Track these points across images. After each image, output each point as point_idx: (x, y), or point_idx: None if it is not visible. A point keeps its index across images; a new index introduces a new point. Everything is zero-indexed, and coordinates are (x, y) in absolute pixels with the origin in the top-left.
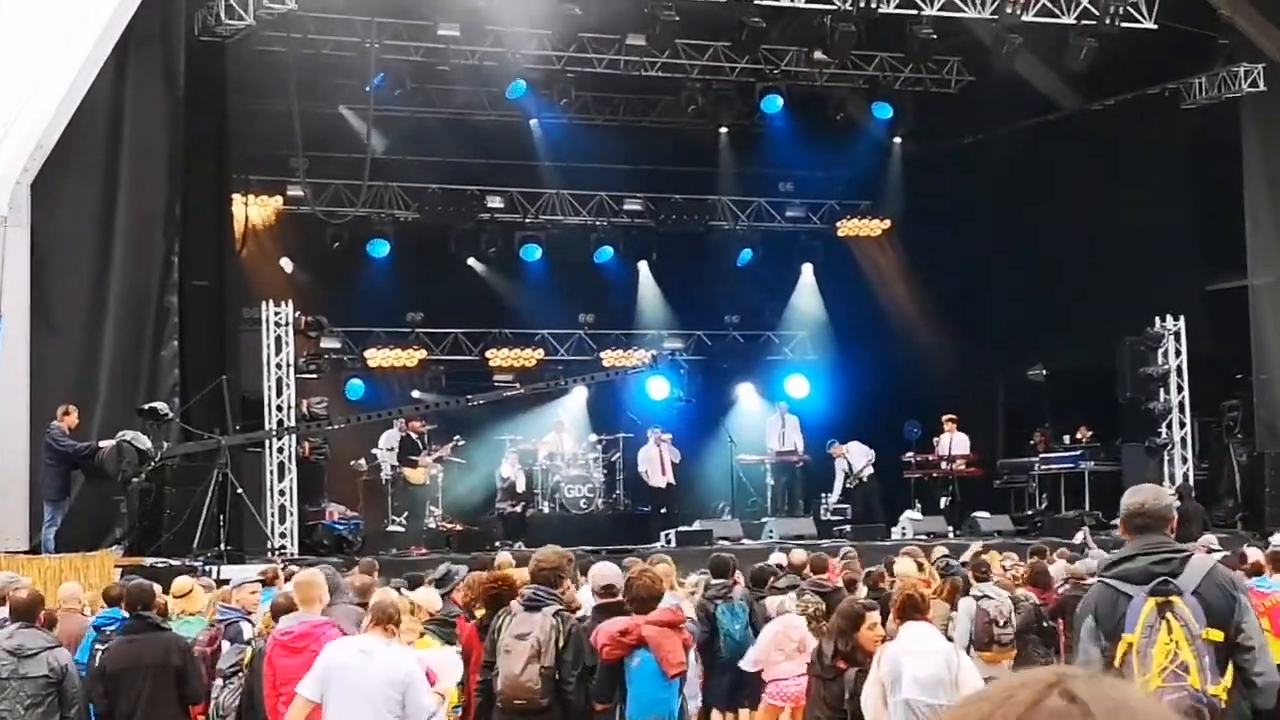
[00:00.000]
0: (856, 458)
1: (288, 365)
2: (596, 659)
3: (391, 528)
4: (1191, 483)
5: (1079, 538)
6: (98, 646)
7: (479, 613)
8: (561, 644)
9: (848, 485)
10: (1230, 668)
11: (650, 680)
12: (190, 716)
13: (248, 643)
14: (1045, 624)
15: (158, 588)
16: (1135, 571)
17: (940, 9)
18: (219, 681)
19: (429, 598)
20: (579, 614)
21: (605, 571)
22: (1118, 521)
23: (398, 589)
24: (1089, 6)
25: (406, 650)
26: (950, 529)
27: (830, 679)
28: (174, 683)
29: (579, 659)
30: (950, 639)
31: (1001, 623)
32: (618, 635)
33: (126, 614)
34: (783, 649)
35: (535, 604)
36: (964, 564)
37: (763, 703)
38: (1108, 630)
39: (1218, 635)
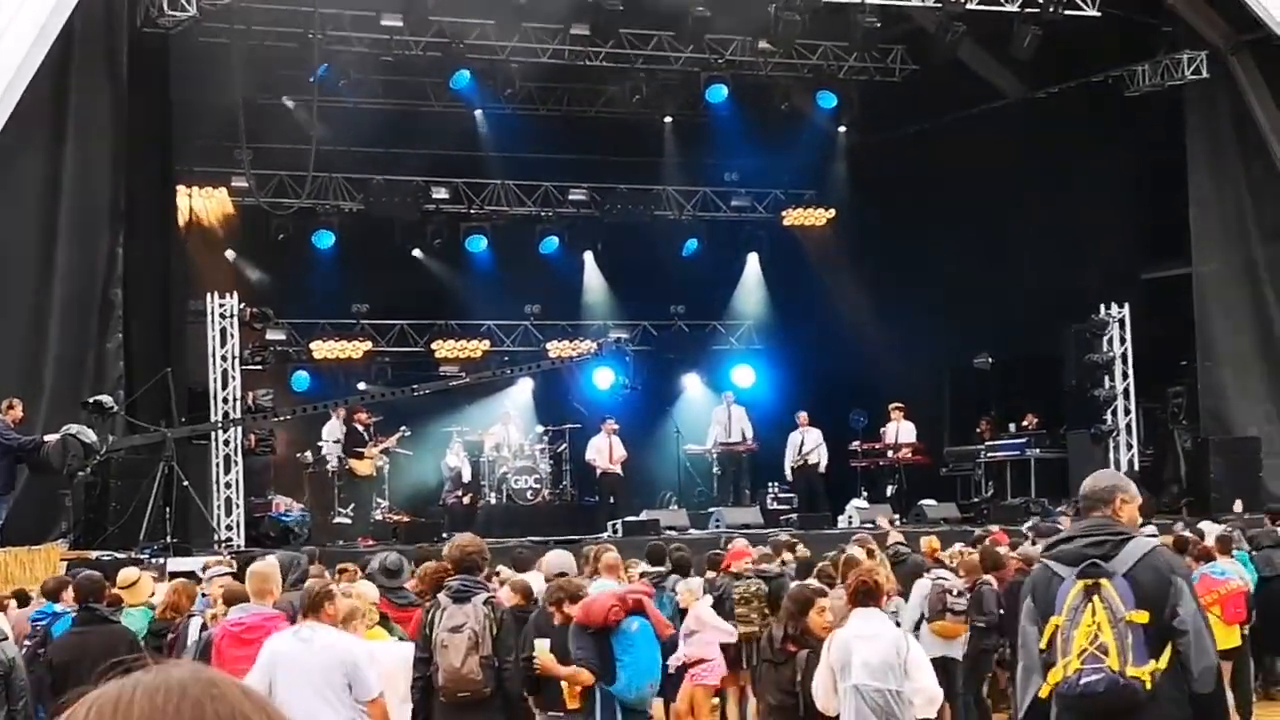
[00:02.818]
0: (811, 439)
1: (233, 357)
2: (518, 648)
3: (338, 519)
4: (1137, 469)
5: (1028, 525)
6: (26, 642)
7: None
8: (496, 631)
9: (793, 465)
10: (1167, 651)
11: (650, 644)
12: None
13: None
14: (1002, 612)
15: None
16: (1069, 553)
17: None
18: None
19: (366, 589)
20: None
21: (559, 560)
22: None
23: (370, 577)
24: None
25: (345, 634)
26: (897, 517)
27: (781, 662)
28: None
29: (512, 646)
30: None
31: (955, 592)
32: (623, 596)
33: (66, 607)
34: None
35: (464, 594)
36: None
37: (687, 685)
38: (1043, 611)
39: (1142, 617)
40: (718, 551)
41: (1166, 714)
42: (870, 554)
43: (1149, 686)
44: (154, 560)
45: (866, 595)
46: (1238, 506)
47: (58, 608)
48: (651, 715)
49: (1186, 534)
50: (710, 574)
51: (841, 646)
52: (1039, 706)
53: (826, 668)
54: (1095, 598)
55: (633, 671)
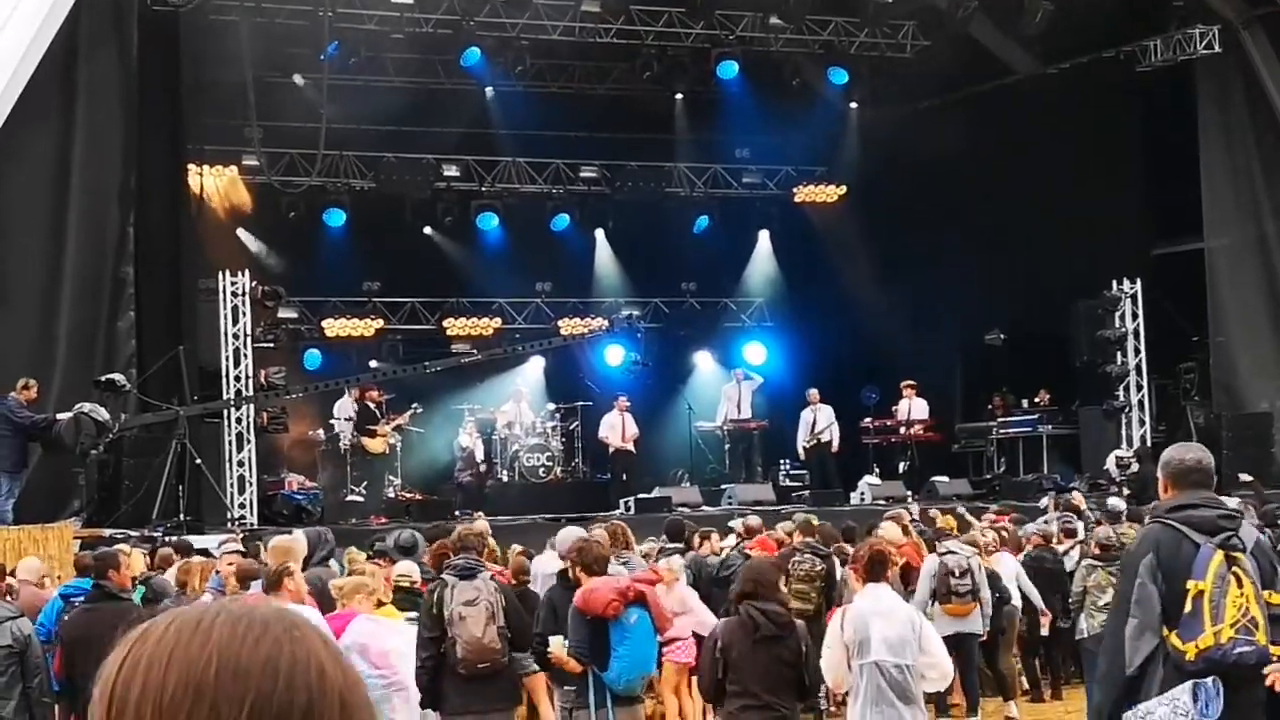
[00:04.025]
0: (824, 417)
1: (245, 335)
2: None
3: (351, 497)
4: (1149, 445)
5: (1044, 503)
6: (66, 619)
7: None
8: (505, 605)
9: (805, 443)
10: None
11: (645, 637)
12: None
13: None
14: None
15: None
16: (1202, 520)
17: None
18: None
19: (409, 569)
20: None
21: (571, 536)
22: (1160, 475)
23: (379, 556)
24: None
25: (294, 606)
26: (909, 494)
27: (786, 636)
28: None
29: (521, 619)
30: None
31: (959, 574)
32: (623, 590)
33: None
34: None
35: (471, 572)
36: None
37: (667, 665)
38: (1168, 571)
39: (1276, 598)
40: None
41: (1265, 690)
42: (905, 530)
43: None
44: (167, 538)
45: (881, 567)
46: (1244, 476)
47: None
48: (642, 698)
49: None
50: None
51: (857, 622)
52: (1145, 665)
53: (840, 644)
54: (1237, 570)
55: (626, 663)
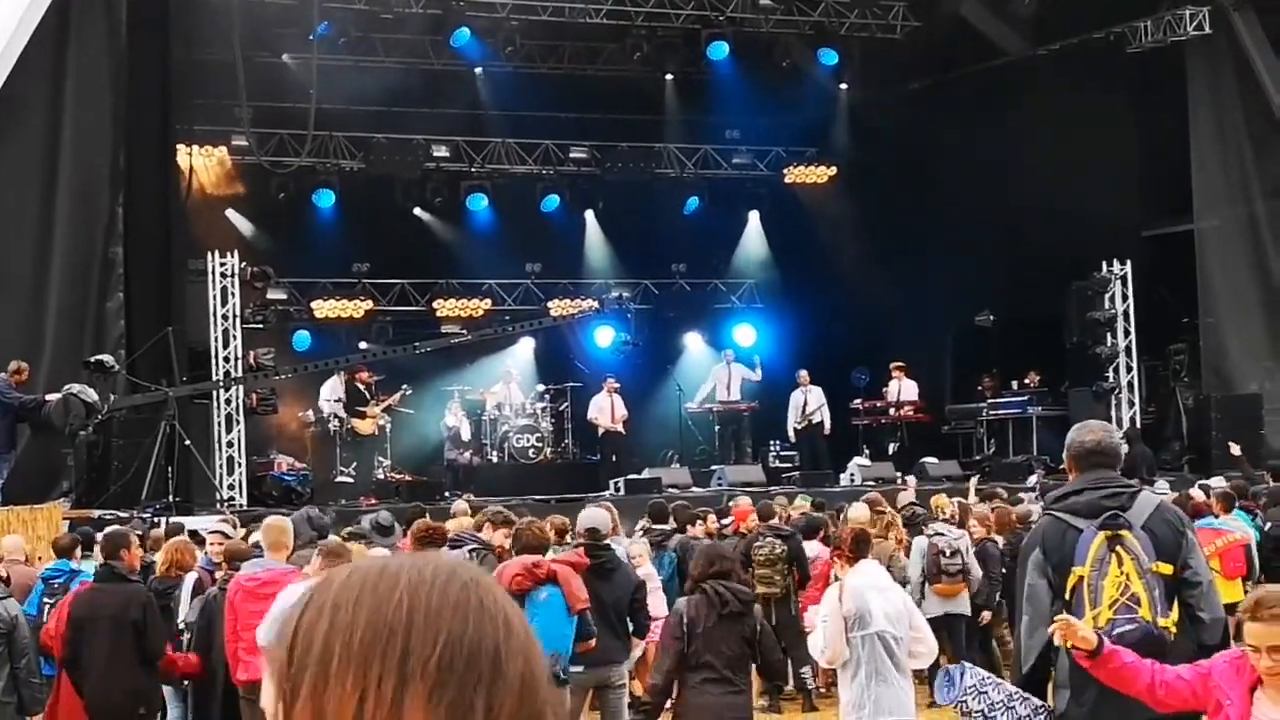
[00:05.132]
0: (814, 398)
1: (234, 316)
2: None
3: (340, 478)
4: (1138, 426)
5: (1032, 481)
6: (46, 600)
7: None
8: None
9: (796, 425)
10: (1176, 603)
11: (556, 614)
12: (154, 669)
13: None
14: (1004, 570)
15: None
16: (1084, 505)
17: None
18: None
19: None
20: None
21: (591, 515)
22: (1064, 457)
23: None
24: None
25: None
26: (899, 475)
27: (746, 614)
28: (132, 636)
29: None
30: (906, 577)
31: (949, 553)
32: (530, 566)
33: (76, 565)
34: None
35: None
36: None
37: (650, 647)
38: (1055, 563)
39: (1167, 569)
40: (704, 508)
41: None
42: (881, 512)
43: (1174, 636)
44: (156, 519)
45: (865, 544)
46: (1235, 450)
47: (73, 565)
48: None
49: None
50: (693, 533)
51: (857, 597)
52: (1042, 660)
53: (838, 615)
54: (1119, 549)
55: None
